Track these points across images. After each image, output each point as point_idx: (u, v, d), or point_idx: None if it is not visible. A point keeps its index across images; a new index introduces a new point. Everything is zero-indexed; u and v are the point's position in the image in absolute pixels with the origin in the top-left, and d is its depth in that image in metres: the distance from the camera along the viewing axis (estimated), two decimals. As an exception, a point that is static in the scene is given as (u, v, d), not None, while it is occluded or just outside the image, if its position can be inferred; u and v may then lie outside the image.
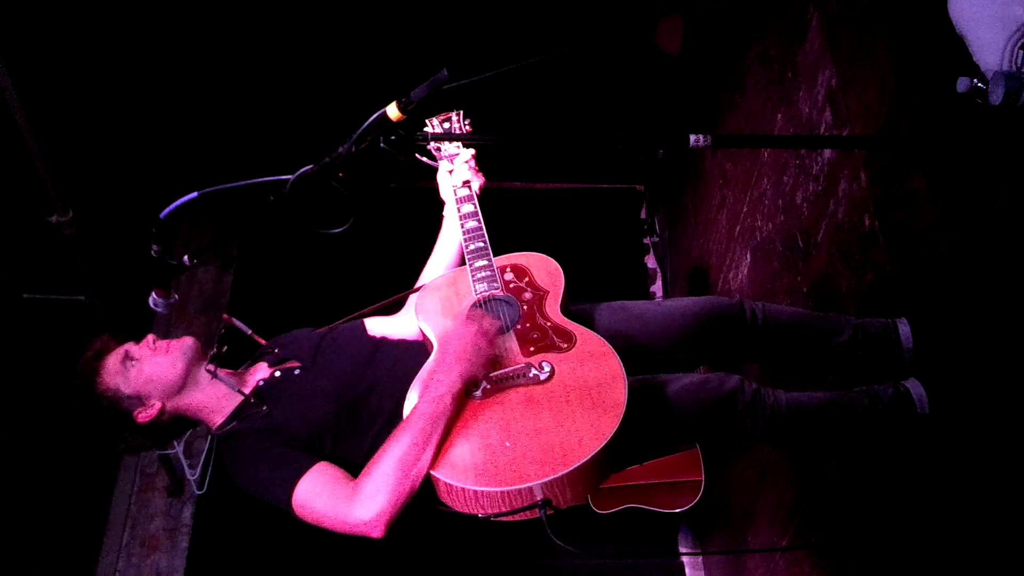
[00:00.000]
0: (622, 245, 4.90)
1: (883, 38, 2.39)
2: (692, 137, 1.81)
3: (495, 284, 2.22)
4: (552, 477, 1.82)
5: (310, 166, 1.80)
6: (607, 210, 4.96)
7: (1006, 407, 1.93)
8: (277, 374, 2.23)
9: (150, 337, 2.20)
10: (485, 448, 1.90)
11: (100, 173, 3.90)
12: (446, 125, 2.49)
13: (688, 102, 4.14)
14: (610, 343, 2.06)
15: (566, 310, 2.18)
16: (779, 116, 3.09)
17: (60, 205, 3.18)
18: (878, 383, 2.26)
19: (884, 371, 2.30)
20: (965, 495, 2.06)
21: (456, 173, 2.45)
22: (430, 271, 2.45)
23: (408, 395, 2.03)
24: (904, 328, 2.27)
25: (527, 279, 2.27)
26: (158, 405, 2.17)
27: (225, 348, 2.17)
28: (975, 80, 1.80)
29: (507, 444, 1.90)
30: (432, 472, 1.89)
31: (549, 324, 2.13)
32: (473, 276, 2.25)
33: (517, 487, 1.83)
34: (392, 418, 2.05)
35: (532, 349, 2.07)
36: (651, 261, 4.85)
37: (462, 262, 2.35)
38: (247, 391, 2.19)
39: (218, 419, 2.19)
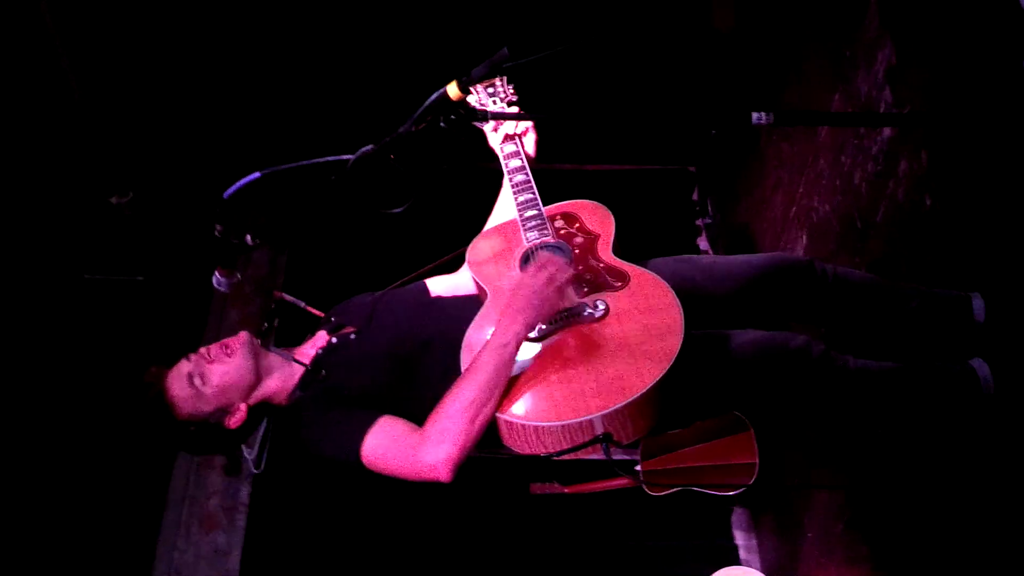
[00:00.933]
0: (674, 227, 4.86)
1: (944, 14, 2.35)
2: (755, 115, 1.79)
3: (546, 232, 2.23)
4: (612, 408, 1.86)
5: (370, 146, 1.82)
6: (659, 191, 4.93)
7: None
8: (334, 340, 2.26)
9: (202, 350, 2.20)
10: (544, 385, 1.94)
11: (161, 154, 3.95)
12: (490, 90, 2.47)
13: (742, 82, 4.09)
14: (676, 293, 2.05)
15: (618, 252, 2.20)
16: (836, 96, 3.05)
17: (121, 186, 3.23)
18: (945, 358, 2.23)
19: (952, 344, 2.26)
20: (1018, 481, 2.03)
21: (502, 128, 2.43)
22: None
23: (464, 342, 2.07)
24: (978, 302, 2.23)
25: (577, 225, 2.29)
26: (243, 407, 2.21)
27: (276, 322, 2.19)
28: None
29: (564, 379, 1.93)
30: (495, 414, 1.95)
31: (602, 265, 2.15)
32: (524, 226, 2.26)
33: (577, 420, 1.87)
34: (448, 371, 2.07)
35: (586, 290, 2.10)
36: (704, 243, 4.81)
37: None
38: (309, 356, 2.24)
39: (285, 395, 2.22)
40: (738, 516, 4.05)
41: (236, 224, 1.92)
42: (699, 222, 4.87)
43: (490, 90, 2.47)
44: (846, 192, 3.00)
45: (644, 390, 1.86)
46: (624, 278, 2.10)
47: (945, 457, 2.37)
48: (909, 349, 2.38)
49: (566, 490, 3.87)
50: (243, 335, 2.23)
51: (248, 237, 1.95)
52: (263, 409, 2.27)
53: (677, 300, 2.01)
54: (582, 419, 1.87)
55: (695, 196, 4.92)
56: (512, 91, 2.47)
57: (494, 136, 2.46)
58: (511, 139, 2.42)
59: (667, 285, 2.05)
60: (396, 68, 3.94)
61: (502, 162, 2.41)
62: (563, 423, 1.88)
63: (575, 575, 3.88)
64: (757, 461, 3.63)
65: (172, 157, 3.99)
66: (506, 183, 2.43)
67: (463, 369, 2.03)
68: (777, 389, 2.21)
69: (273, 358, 2.25)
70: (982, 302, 2.22)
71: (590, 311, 2.04)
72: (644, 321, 1.99)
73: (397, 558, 3.84)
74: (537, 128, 2.48)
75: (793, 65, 3.45)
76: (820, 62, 3.20)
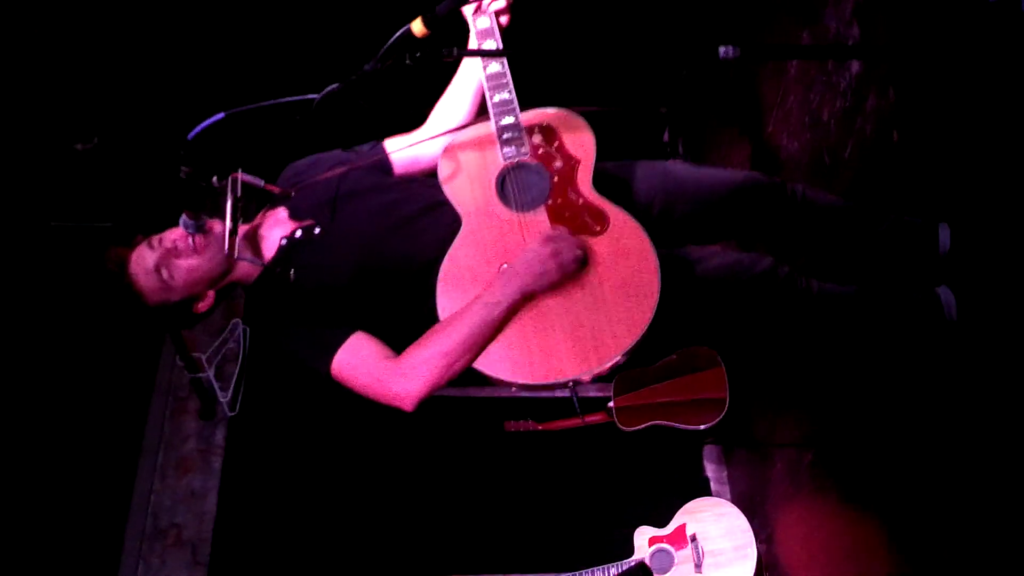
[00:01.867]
0: (645, 167, 4.86)
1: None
2: (721, 49, 1.79)
3: (523, 148, 2.14)
4: (585, 372, 1.89)
5: (336, 84, 1.81)
6: (630, 132, 4.91)
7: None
8: (298, 234, 2.22)
9: (168, 240, 2.15)
10: (519, 339, 1.95)
11: (126, 98, 3.90)
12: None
13: (711, 21, 4.07)
14: (646, 208, 2.07)
15: (597, 181, 2.12)
16: (805, 33, 3.04)
17: (85, 132, 3.19)
18: (910, 285, 2.25)
19: (916, 269, 2.29)
20: (980, 407, 2.07)
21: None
22: (450, 105, 2.36)
23: (440, 272, 2.05)
24: (944, 231, 2.25)
25: (557, 144, 2.17)
26: (211, 294, 2.23)
27: (240, 220, 2.13)
28: (1008, -13, 1.77)
29: (539, 334, 1.94)
30: None
31: (581, 201, 2.07)
32: (500, 135, 2.15)
33: (551, 382, 1.92)
34: (418, 280, 2.10)
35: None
36: (674, 182, 4.82)
37: (481, 100, 2.25)
38: (272, 249, 2.22)
39: (252, 279, 2.25)
40: (709, 449, 4.12)
41: (202, 165, 1.90)
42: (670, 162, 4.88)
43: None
44: (815, 128, 3.00)
45: (617, 356, 1.88)
46: (603, 220, 2.04)
47: (908, 385, 2.41)
48: (875, 272, 2.41)
49: (540, 427, 3.92)
50: (218, 227, 2.15)
51: (214, 179, 1.93)
52: (231, 288, 2.28)
53: (656, 257, 1.97)
54: (555, 382, 1.92)
55: (666, 137, 4.91)
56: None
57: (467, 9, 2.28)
58: (483, 11, 2.23)
59: (646, 235, 2.00)
60: (361, 4, 3.88)
61: (473, 40, 2.23)
62: (536, 383, 1.93)
63: (549, 510, 3.93)
64: (727, 396, 3.70)
65: (136, 100, 3.94)
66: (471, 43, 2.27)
67: (439, 303, 2.04)
68: (742, 310, 2.22)
69: (243, 254, 2.19)
70: (948, 232, 2.24)
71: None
72: (622, 276, 1.96)
73: (372, 496, 3.88)
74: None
75: (763, 3, 3.44)
76: (788, 0, 3.19)
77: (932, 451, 2.31)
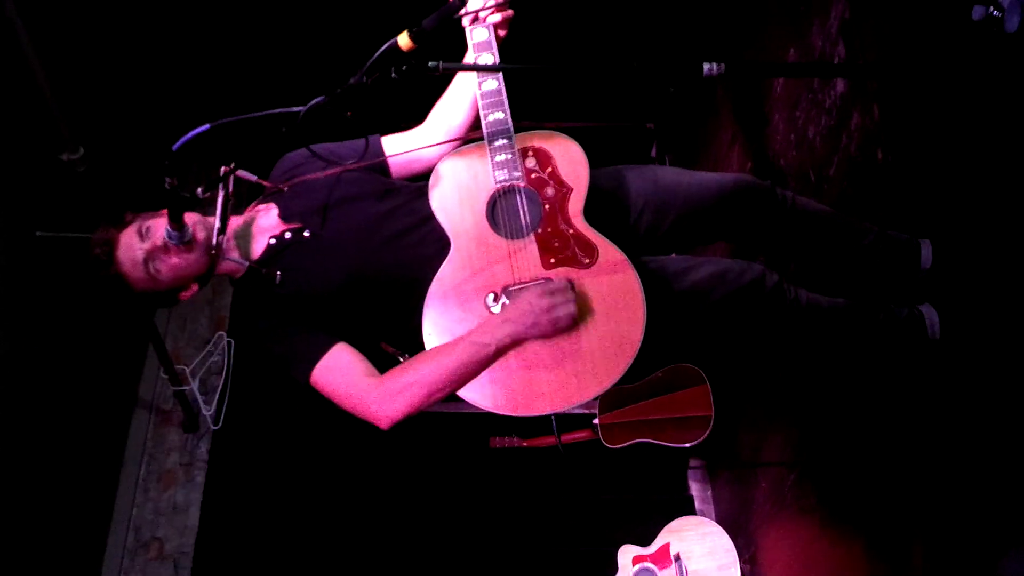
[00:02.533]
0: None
1: (897, -32, 2.36)
2: (706, 66, 1.79)
3: (516, 172, 2.11)
4: (562, 410, 1.91)
5: (321, 97, 1.80)
6: (617, 148, 4.92)
7: (1015, 342, 1.94)
8: (287, 235, 2.20)
9: (159, 237, 2.09)
10: (501, 371, 1.95)
11: (112, 109, 3.89)
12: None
13: (698, 39, 4.09)
14: (638, 214, 2.07)
15: (588, 205, 2.09)
16: (792, 50, 3.06)
17: (72, 143, 3.18)
18: (894, 301, 2.26)
19: (899, 284, 2.30)
20: (964, 423, 2.07)
21: (472, 2, 2.17)
22: (449, 107, 2.33)
23: (428, 294, 2.04)
24: (926, 248, 2.26)
25: (550, 169, 2.13)
26: (195, 287, 2.21)
27: (228, 222, 2.12)
28: (991, 8, 1.78)
29: (523, 367, 1.94)
30: None
31: (571, 232, 2.05)
32: (492, 157, 2.12)
33: (529, 415, 1.92)
34: (403, 296, 2.10)
35: (552, 260, 2.02)
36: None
37: (475, 114, 2.22)
38: (260, 248, 2.21)
39: (238, 274, 2.22)
40: (694, 468, 4.11)
41: (186, 177, 1.90)
42: (657, 179, 4.88)
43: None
44: (800, 146, 3.02)
45: (594, 396, 1.91)
46: (593, 253, 2.01)
47: (892, 403, 2.42)
48: (859, 285, 2.42)
49: (525, 443, 3.91)
50: (201, 234, 2.13)
51: (199, 190, 1.93)
52: (215, 276, 2.25)
53: (642, 292, 1.95)
54: (532, 415, 1.93)
55: (653, 152, 4.93)
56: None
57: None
58: (481, 22, 2.18)
59: (633, 272, 1.98)
60: (348, 19, 3.89)
61: (470, 53, 2.19)
62: (514, 415, 1.94)
63: (533, 527, 3.92)
64: (713, 414, 3.70)
65: (121, 111, 3.93)
66: (470, 55, 2.23)
67: (425, 327, 2.03)
68: (731, 320, 2.22)
69: (229, 253, 2.18)
70: (930, 248, 2.25)
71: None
72: (608, 315, 1.95)
73: (356, 510, 3.87)
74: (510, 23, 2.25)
75: (749, 22, 3.46)
76: (776, 18, 3.20)
77: (915, 469, 2.31)
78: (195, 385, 4.04)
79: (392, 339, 2.19)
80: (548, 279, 1.99)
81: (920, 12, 2.26)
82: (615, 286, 1.98)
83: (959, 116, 2.12)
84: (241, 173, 2.07)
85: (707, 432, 3.71)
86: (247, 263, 2.17)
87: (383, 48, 1.76)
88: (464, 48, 2.22)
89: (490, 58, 2.16)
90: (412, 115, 2.40)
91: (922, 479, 2.28)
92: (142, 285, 2.16)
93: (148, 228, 2.13)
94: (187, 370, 4.04)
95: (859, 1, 2.57)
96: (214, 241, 2.09)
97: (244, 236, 2.23)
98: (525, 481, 4.02)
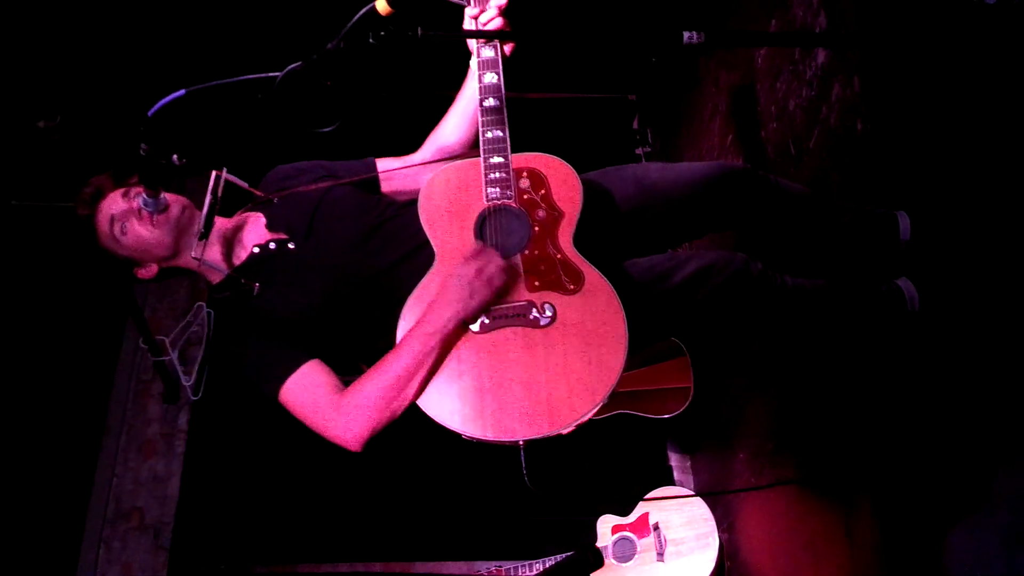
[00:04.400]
0: (614, 155, 4.86)
1: (880, -62, 2.36)
2: (686, 35, 1.78)
3: (508, 192, 2.08)
4: (535, 438, 1.87)
5: (298, 63, 1.79)
6: (599, 120, 4.91)
7: (993, 310, 1.95)
8: (271, 246, 2.19)
9: (138, 201, 2.08)
10: (475, 391, 1.90)
11: (88, 75, 3.85)
12: None
13: (678, 8, 4.07)
14: (626, 215, 2.04)
15: (578, 239, 2.06)
16: (773, 21, 3.05)
17: (48, 110, 3.14)
18: (874, 276, 2.27)
19: (880, 258, 2.31)
20: (946, 397, 2.09)
21: (482, 17, 2.18)
22: (445, 129, 2.34)
23: (404, 308, 2.00)
24: (904, 220, 2.27)
25: (543, 192, 2.09)
26: (155, 267, 2.21)
27: (217, 222, 2.13)
28: (971, -23, 1.78)
29: (497, 390, 1.90)
30: (420, 404, 1.93)
31: (559, 256, 2.01)
32: (486, 174, 2.09)
33: (500, 439, 1.88)
34: (384, 314, 2.05)
35: (537, 283, 1.98)
36: (644, 171, 4.83)
37: (476, 133, 2.19)
38: (242, 255, 2.19)
39: (216, 278, 2.21)
40: (673, 438, 4.13)
41: (161, 143, 1.88)
42: (639, 150, 4.88)
43: None
44: (781, 118, 3.02)
45: (568, 426, 1.85)
46: (579, 280, 1.97)
47: (871, 375, 2.43)
48: (840, 263, 2.43)
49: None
50: (176, 209, 2.14)
51: (174, 156, 1.91)
52: (178, 272, 2.25)
53: (624, 323, 1.90)
54: (504, 439, 1.88)
55: (635, 124, 4.92)
56: None
57: (471, 24, 2.22)
58: (491, 45, 2.18)
59: (618, 301, 1.93)
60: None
61: (473, 71, 2.18)
62: (485, 438, 1.89)
63: (512, 497, 3.93)
64: (692, 385, 3.72)
65: (99, 77, 3.89)
66: (473, 76, 2.24)
67: (399, 337, 1.98)
68: (720, 312, 2.21)
69: (209, 252, 2.17)
70: (908, 221, 2.26)
71: (536, 315, 1.94)
72: (588, 343, 1.90)
73: (335, 481, 3.87)
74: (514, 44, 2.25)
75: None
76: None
77: (893, 440, 2.33)
78: (175, 355, 4.03)
79: (370, 358, 2.07)
80: (531, 302, 1.96)
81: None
82: (598, 313, 1.93)
83: (939, 87, 2.12)
84: (230, 177, 2.05)
85: (687, 403, 3.73)
86: (227, 270, 2.17)
87: (360, 13, 1.75)
88: (450, 17, 2.20)
89: (494, 77, 2.15)
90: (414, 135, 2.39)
91: (899, 450, 2.30)
92: (105, 241, 2.17)
93: (136, 193, 2.11)
94: (167, 340, 4.02)
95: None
96: (194, 250, 2.08)
97: (228, 241, 2.22)
98: (505, 452, 4.02)
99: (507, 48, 2.22)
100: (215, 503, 3.92)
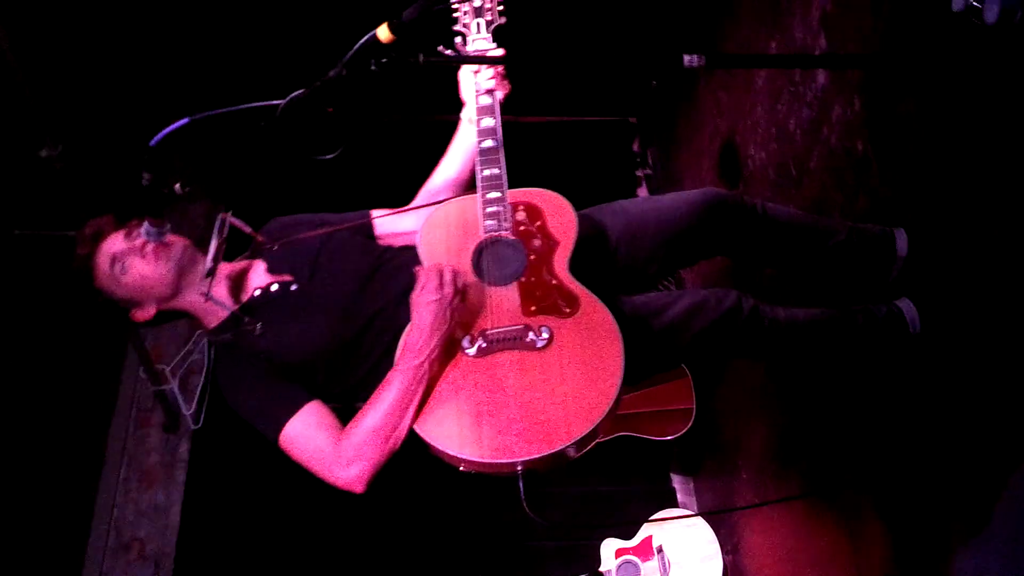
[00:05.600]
0: (615, 178, 4.88)
1: (877, -40, 2.37)
2: (686, 57, 1.79)
3: (505, 224, 2.11)
4: (533, 458, 1.83)
5: (301, 91, 1.79)
6: (599, 143, 4.93)
7: (994, 328, 1.95)
8: (273, 288, 2.20)
9: (140, 240, 2.11)
10: (472, 414, 1.90)
11: (90, 105, 3.86)
12: (476, 3, 2.23)
13: (679, 31, 4.09)
14: (614, 251, 2.05)
15: (573, 267, 2.08)
16: (773, 44, 3.06)
17: (50, 139, 3.15)
18: (872, 300, 2.28)
19: (874, 276, 2.31)
20: (950, 416, 2.08)
21: (480, 76, 2.24)
22: (438, 178, 2.36)
23: (401, 341, 2.00)
24: (901, 237, 2.27)
25: (539, 223, 2.14)
26: (153, 309, 2.19)
27: (220, 265, 2.13)
28: (971, -2, 1.79)
29: (494, 413, 1.88)
30: (417, 430, 1.92)
31: (555, 282, 2.04)
32: (483, 208, 2.13)
33: (498, 461, 1.85)
34: (386, 352, 2.05)
35: (533, 308, 2.00)
36: (644, 193, 4.84)
37: (472, 173, 2.24)
38: (244, 298, 2.20)
39: (213, 322, 2.21)
40: (676, 460, 4.11)
41: (164, 172, 1.88)
42: (639, 172, 4.90)
43: (476, 3, 2.23)
44: (781, 139, 3.02)
45: (570, 443, 1.83)
46: (574, 304, 1.99)
47: (874, 395, 2.43)
48: (835, 284, 2.43)
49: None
50: (179, 247, 2.15)
51: (177, 185, 1.91)
52: (177, 315, 2.24)
53: (621, 344, 1.90)
54: (502, 461, 1.85)
55: (636, 147, 4.94)
56: (500, 3, 2.27)
57: (469, 79, 2.28)
58: (489, 92, 2.23)
59: (613, 322, 1.94)
60: (328, 11, 3.86)
61: (472, 110, 2.24)
62: (483, 461, 1.86)
63: (514, 520, 3.91)
64: (695, 406, 3.71)
65: (101, 106, 3.90)
66: (466, 125, 2.30)
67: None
68: (712, 350, 2.25)
69: (199, 280, 2.17)
70: (905, 237, 2.26)
71: (533, 337, 1.94)
72: (584, 364, 1.90)
73: (337, 510, 3.84)
74: (510, 78, 2.29)
75: (730, 13, 3.46)
76: (756, 10, 3.21)
77: (897, 459, 2.32)
78: (175, 384, 4.01)
79: (370, 375, 2.10)
80: (527, 326, 1.96)
81: (901, 3, 2.26)
82: (594, 336, 1.94)
83: (940, 107, 2.13)
84: (234, 221, 2.05)
85: (689, 425, 3.72)
86: (233, 306, 2.17)
87: (363, 41, 1.75)
88: (431, 45, 2.22)
89: (491, 121, 2.20)
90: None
91: (903, 467, 2.29)
92: (103, 281, 2.15)
93: (138, 233, 2.12)
94: (167, 369, 4.01)
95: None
96: (204, 286, 2.08)
97: (231, 283, 2.23)
98: (504, 482, 4.01)
99: (502, 94, 2.26)
100: (216, 533, 3.89)
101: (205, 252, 2.06)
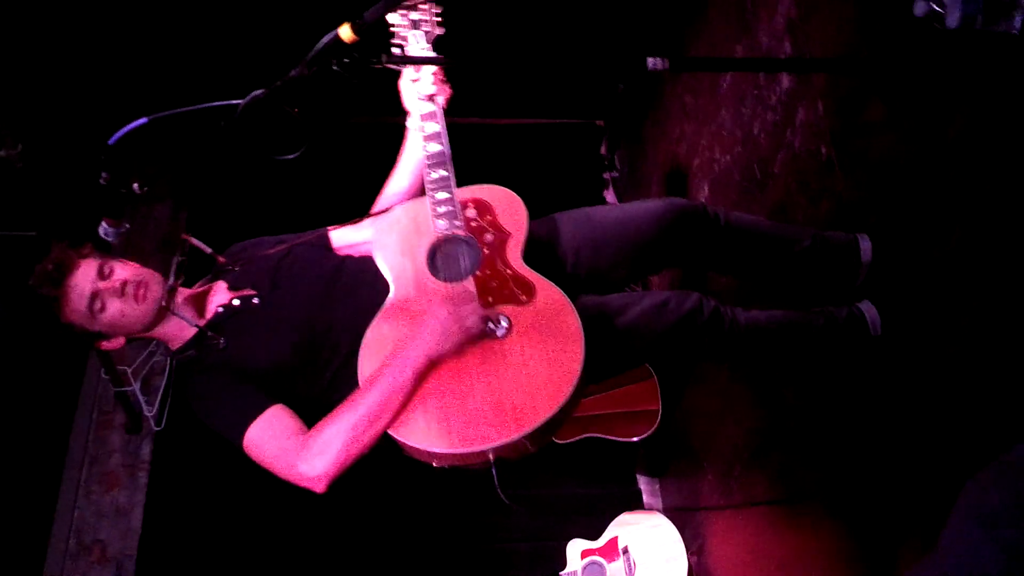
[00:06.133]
0: (582, 181, 4.88)
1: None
2: (650, 60, 1.78)
3: (456, 222, 2.14)
4: (504, 442, 1.84)
5: (261, 90, 1.77)
6: (567, 145, 4.93)
7: (953, 330, 1.96)
8: (236, 303, 2.21)
9: (118, 279, 2.10)
10: (439, 408, 1.91)
11: (48, 104, 3.81)
12: (414, 16, 2.26)
13: (646, 35, 4.10)
14: (574, 256, 2.05)
15: (526, 254, 2.12)
16: (739, 47, 3.08)
17: (9, 138, 3.11)
18: (834, 302, 2.29)
19: (839, 282, 2.32)
20: (910, 415, 2.10)
21: (421, 83, 2.27)
22: (391, 189, 2.38)
23: (364, 339, 2.03)
24: (865, 242, 2.28)
25: (489, 218, 2.19)
26: (122, 340, 2.18)
27: (182, 279, 2.13)
28: (932, 3, 1.80)
29: (461, 403, 1.90)
30: (388, 429, 1.92)
31: (509, 272, 2.08)
32: (434, 210, 2.16)
33: (469, 451, 1.86)
34: (350, 355, 2.06)
35: (491, 299, 2.03)
36: (611, 196, 4.85)
37: (422, 181, 2.26)
38: (206, 316, 2.19)
39: (176, 344, 2.20)
40: (642, 461, 4.12)
41: (122, 172, 1.86)
42: (606, 175, 4.90)
43: (414, 16, 2.25)
44: (746, 142, 3.04)
45: (539, 423, 1.84)
46: (530, 291, 2.03)
47: (836, 396, 2.44)
48: (800, 291, 2.44)
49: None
50: (157, 290, 2.13)
51: (135, 185, 1.88)
52: (145, 340, 2.26)
53: (580, 324, 1.95)
54: (475, 450, 1.86)
55: (603, 150, 4.94)
56: (438, 19, 2.28)
57: (410, 88, 2.28)
58: (431, 98, 2.26)
59: (570, 304, 1.99)
60: (289, 9, 3.84)
61: (416, 119, 2.27)
62: (455, 452, 1.87)
63: (482, 522, 3.91)
64: (660, 408, 3.72)
65: (60, 105, 3.85)
66: (413, 136, 2.33)
67: (360, 369, 2.00)
68: (672, 352, 2.27)
69: (174, 319, 2.17)
70: (869, 243, 2.28)
71: (492, 327, 1.98)
72: (545, 346, 1.94)
73: (300, 512, 3.82)
74: (452, 82, 2.32)
75: (699, 16, 3.47)
76: (723, 14, 3.22)
77: (859, 459, 2.34)
78: (137, 386, 3.97)
79: (335, 397, 2.08)
80: (486, 316, 1.99)
81: (864, 9, 2.28)
82: (553, 319, 1.98)
83: (903, 111, 2.15)
84: (193, 241, 2.07)
85: (655, 426, 3.73)
86: (197, 323, 2.16)
87: (324, 40, 1.73)
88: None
89: (436, 127, 2.23)
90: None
91: (866, 469, 2.30)
92: (75, 317, 2.10)
93: (111, 270, 2.11)
94: (129, 371, 3.96)
95: (803, -2, 2.60)
96: (163, 298, 2.09)
97: (194, 304, 2.22)
98: (473, 476, 4.00)
99: (443, 100, 2.28)
100: (179, 535, 3.86)
101: (167, 284, 2.08)
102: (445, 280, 2.09)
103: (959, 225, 1.94)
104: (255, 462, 2.01)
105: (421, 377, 1.94)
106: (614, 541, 3.59)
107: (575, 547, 3.65)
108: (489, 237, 2.15)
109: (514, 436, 1.84)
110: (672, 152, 3.87)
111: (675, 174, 3.84)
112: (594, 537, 3.64)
